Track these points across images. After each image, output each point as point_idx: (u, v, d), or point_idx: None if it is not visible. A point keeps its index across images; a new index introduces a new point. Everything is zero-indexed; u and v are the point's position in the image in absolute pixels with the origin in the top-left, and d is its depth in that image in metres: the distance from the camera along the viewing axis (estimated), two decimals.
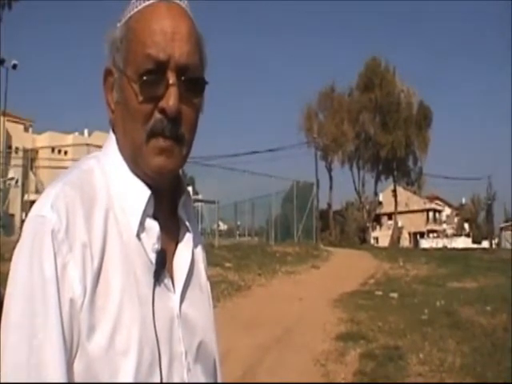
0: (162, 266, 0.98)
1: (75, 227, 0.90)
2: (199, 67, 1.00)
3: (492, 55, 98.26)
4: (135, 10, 0.99)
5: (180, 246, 1.06)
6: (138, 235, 0.97)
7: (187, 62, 0.96)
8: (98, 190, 0.97)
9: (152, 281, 0.96)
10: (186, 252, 1.06)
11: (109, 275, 0.92)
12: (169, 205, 1.06)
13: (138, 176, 0.99)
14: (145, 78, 0.94)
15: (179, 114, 0.95)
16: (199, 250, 1.13)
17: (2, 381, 0.85)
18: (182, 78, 0.96)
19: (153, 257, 0.97)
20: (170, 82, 0.94)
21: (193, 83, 0.98)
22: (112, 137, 1.04)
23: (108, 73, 1.02)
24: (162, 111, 0.95)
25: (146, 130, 0.95)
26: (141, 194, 0.98)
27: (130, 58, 0.97)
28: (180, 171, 1.08)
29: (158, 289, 0.97)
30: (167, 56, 0.94)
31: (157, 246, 0.98)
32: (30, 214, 0.92)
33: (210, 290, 1.17)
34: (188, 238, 1.07)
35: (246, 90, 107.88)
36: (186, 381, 0.99)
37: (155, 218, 1.00)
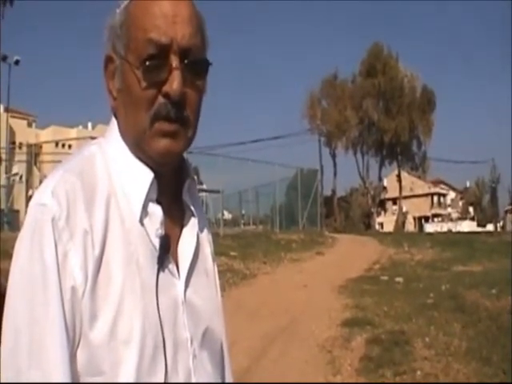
0: (166, 252, 0.97)
1: (76, 214, 0.89)
2: (201, 49, 0.99)
3: (496, 36, 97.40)
4: None
5: (185, 231, 1.04)
6: (140, 220, 0.96)
7: (189, 44, 0.94)
8: (99, 176, 0.96)
9: (156, 267, 0.95)
10: (190, 237, 1.04)
11: (110, 262, 0.90)
12: (173, 189, 1.04)
13: (141, 161, 0.98)
14: (147, 63, 0.93)
15: (183, 97, 0.94)
16: (205, 235, 1.11)
17: (2, 372, 0.85)
18: (185, 60, 0.94)
19: (156, 242, 0.96)
20: (173, 65, 0.93)
21: (196, 65, 0.96)
22: (114, 123, 1.02)
23: (109, 60, 1.00)
24: (166, 95, 0.93)
25: (149, 115, 0.94)
26: (143, 177, 0.97)
27: (131, 44, 0.95)
28: (185, 157, 1.07)
29: (161, 275, 0.95)
30: (169, 39, 0.93)
31: (160, 231, 0.97)
32: (31, 203, 0.91)
33: (217, 275, 1.16)
34: (193, 222, 1.05)
35: (250, 78, 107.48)
36: (192, 368, 0.98)
37: (159, 202, 0.98)
